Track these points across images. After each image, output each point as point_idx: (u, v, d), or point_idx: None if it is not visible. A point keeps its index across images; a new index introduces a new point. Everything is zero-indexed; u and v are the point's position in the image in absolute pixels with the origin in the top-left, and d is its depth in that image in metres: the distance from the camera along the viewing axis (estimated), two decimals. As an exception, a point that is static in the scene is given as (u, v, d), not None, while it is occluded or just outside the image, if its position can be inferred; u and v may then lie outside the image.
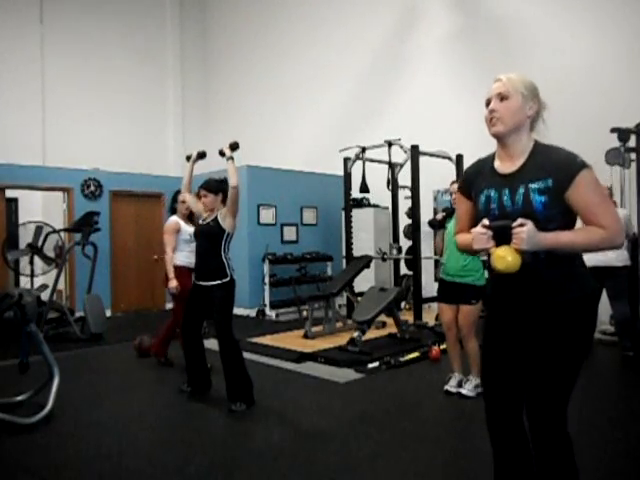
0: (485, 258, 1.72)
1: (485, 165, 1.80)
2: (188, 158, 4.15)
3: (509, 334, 1.76)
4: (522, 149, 1.70)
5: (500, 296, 1.78)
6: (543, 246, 1.56)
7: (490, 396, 1.80)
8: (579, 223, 1.67)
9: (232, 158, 3.73)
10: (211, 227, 3.69)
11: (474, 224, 1.73)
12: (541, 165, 1.64)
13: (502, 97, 1.69)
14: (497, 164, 1.75)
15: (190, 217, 4.68)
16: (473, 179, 1.81)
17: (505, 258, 1.55)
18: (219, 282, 3.63)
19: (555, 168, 1.61)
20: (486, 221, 1.64)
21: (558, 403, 1.66)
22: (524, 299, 1.70)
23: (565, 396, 1.66)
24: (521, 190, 1.64)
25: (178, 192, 4.57)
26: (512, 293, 1.73)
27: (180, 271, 4.51)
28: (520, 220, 1.56)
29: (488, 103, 1.73)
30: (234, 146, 3.80)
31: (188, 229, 4.56)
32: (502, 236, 1.59)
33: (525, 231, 1.53)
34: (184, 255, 4.59)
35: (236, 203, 3.68)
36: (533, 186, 1.62)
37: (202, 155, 4.14)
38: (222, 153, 3.82)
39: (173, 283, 4.46)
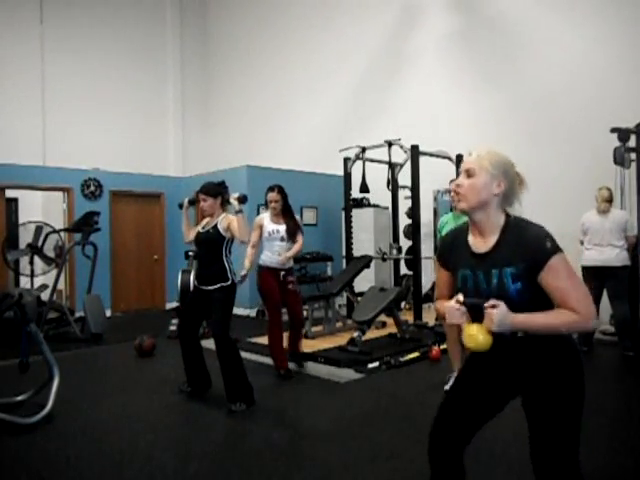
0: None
1: (460, 237, 1.80)
2: (180, 206, 4.12)
3: (483, 382, 1.77)
4: (492, 227, 1.69)
5: (478, 358, 1.80)
6: (515, 328, 1.58)
7: (440, 428, 1.80)
8: None
9: (242, 211, 3.65)
10: (211, 234, 3.69)
11: (452, 292, 1.76)
12: (513, 248, 1.63)
13: (469, 174, 1.69)
14: (471, 239, 1.75)
15: (284, 212, 4.46)
16: (449, 252, 1.83)
17: (476, 337, 1.57)
18: (220, 285, 3.64)
19: (527, 253, 1.60)
20: (461, 297, 1.66)
21: (566, 463, 1.64)
22: (501, 366, 1.73)
23: (571, 458, 1.64)
24: (495, 274, 1.65)
25: (270, 188, 4.44)
26: (489, 360, 1.75)
27: (262, 270, 4.42)
28: (492, 301, 1.56)
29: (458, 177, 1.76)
30: (242, 199, 3.69)
31: (273, 227, 4.41)
32: (476, 313, 1.61)
33: (496, 314, 1.54)
34: (264, 254, 4.45)
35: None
36: (507, 271, 1.63)
37: (193, 202, 4.06)
38: (228, 202, 3.78)
39: (242, 272, 4.22)
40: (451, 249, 1.82)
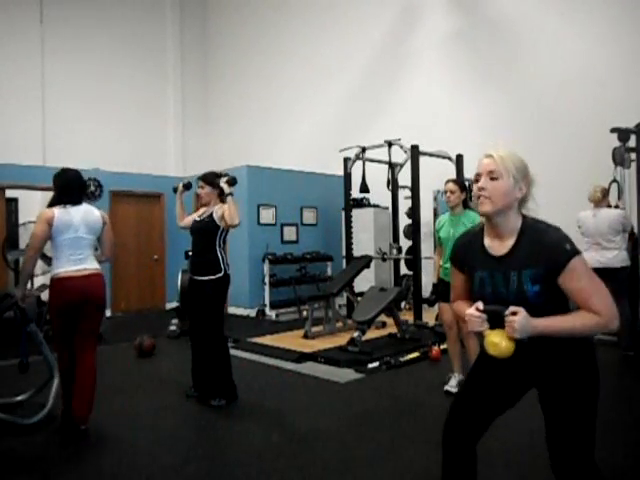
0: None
1: (475, 240, 1.79)
2: (175, 190, 4.13)
3: (497, 375, 1.77)
4: (511, 228, 1.68)
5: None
6: (536, 333, 1.56)
7: (454, 420, 1.80)
8: None
9: (232, 194, 3.64)
10: (206, 223, 3.70)
11: (468, 294, 1.78)
12: (532, 250, 1.63)
13: (492, 176, 1.65)
14: (487, 242, 1.74)
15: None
16: (464, 254, 1.82)
17: (498, 345, 1.56)
18: (212, 277, 3.62)
19: (546, 255, 1.60)
20: (480, 305, 1.65)
21: (583, 460, 1.63)
22: (516, 361, 1.70)
23: (588, 450, 1.63)
24: (514, 277, 1.64)
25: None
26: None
27: None
28: (512, 308, 1.56)
29: (477, 178, 1.70)
30: (232, 182, 3.68)
31: None
32: (496, 319, 1.60)
33: (517, 321, 1.53)
34: None
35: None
36: (526, 274, 1.62)
37: (187, 186, 4.08)
38: (218, 187, 3.76)
39: None
40: (466, 252, 1.80)
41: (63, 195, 3.14)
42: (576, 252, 1.58)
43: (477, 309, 1.64)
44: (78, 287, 3.07)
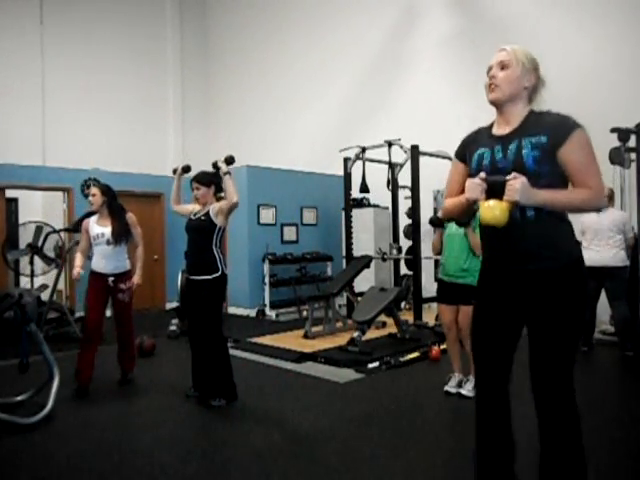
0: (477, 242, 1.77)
1: (483, 131, 1.88)
2: (174, 171, 4.12)
3: (497, 307, 1.82)
4: (518, 115, 1.77)
5: (489, 270, 1.84)
6: (534, 201, 1.61)
7: (480, 367, 1.89)
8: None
9: (229, 173, 3.59)
10: (203, 221, 3.66)
11: (462, 191, 1.80)
12: (536, 124, 1.71)
13: (503, 66, 1.76)
14: (494, 129, 1.83)
15: (110, 212, 4.23)
16: (469, 143, 1.89)
17: (493, 210, 1.61)
18: (209, 277, 3.60)
19: (550, 126, 1.67)
20: (483, 174, 1.70)
21: (563, 373, 1.69)
22: (510, 267, 1.75)
23: (568, 365, 1.69)
24: (514, 144, 1.71)
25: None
26: (499, 261, 1.78)
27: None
28: (514, 174, 1.62)
29: (489, 70, 1.80)
30: (230, 160, 3.65)
31: (98, 229, 4.17)
32: (495, 191, 1.65)
33: (519, 182, 1.59)
34: (93, 258, 4.20)
35: (230, 213, 3.68)
36: (527, 140, 1.68)
37: (187, 169, 4.08)
38: (216, 167, 3.70)
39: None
40: (471, 139, 1.89)
41: None
42: (580, 126, 1.66)
43: (479, 177, 1.70)
44: None
